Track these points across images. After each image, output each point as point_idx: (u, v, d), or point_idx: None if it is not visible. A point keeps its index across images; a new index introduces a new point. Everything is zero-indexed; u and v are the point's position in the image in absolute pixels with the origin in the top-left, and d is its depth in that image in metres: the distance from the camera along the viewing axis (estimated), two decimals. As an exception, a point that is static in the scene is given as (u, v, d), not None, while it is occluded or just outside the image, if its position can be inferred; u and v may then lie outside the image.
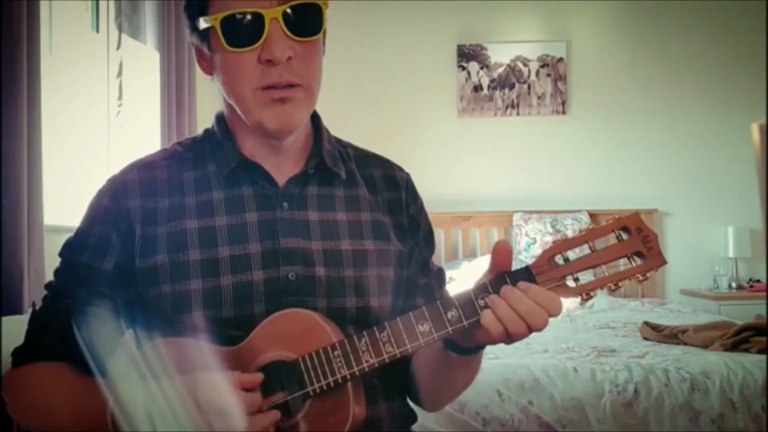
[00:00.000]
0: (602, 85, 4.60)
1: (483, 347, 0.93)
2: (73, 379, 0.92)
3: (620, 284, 0.87)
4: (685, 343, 2.63)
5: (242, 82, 0.93)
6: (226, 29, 0.91)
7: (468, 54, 4.58)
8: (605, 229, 0.87)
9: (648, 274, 0.86)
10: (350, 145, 1.11)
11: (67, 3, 2.77)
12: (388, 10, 4.55)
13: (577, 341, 2.72)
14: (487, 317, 0.84)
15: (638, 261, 0.86)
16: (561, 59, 4.57)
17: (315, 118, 1.05)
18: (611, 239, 0.87)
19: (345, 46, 4.35)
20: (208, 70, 1.00)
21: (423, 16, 4.57)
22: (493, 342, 0.87)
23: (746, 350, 2.44)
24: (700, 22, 4.57)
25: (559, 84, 4.58)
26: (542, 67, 4.58)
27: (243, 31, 0.91)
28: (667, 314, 3.42)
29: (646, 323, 2.88)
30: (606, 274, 0.86)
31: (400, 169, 1.13)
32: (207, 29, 0.94)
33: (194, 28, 0.97)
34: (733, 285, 4.33)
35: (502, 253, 0.87)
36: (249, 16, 0.90)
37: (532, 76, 4.58)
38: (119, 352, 0.88)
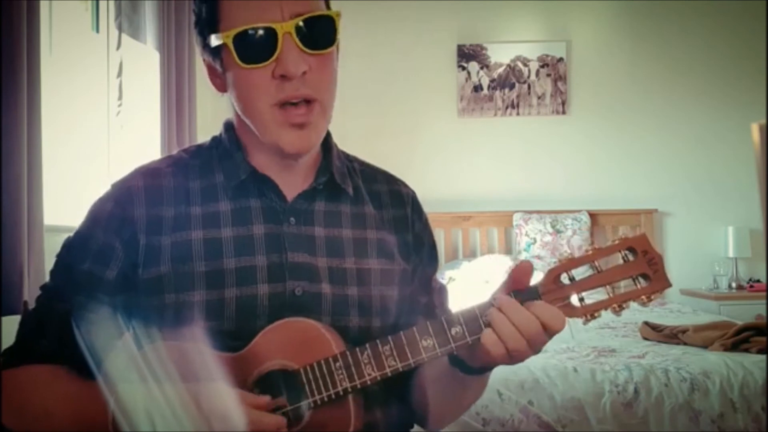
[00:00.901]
0: (602, 85, 4.60)
1: (490, 368, 0.92)
2: (71, 382, 0.91)
3: (624, 306, 0.86)
4: (685, 343, 2.63)
5: (258, 98, 0.92)
6: (238, 46, 0.90)
7: (468, 54, 4.58)
8: (611, 249, 0.87)
9: (653, 297, 0.86)
10: (356, 160, 1.11)
11: (67, 3, 2.76)
12: (388, 10, 4.55)
13: (577, 341, 2.72)
14: (486, 335, 0.83)
15: (643, 283, 0.86)
16: (561, 59, 4.57)
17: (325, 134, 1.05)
18: (617, 259, 0.87)
19: (344, 46, 4.32)
20: (221, 87, 0.98)
21: (423, 16, 4.57)
22: (495, 361, 0.85)
23: (746, 350, 2.44)
24: (700, 22, 4.57)
25: (559, 84, 4.58)
26: (542, 67, 4.58)
27: (256, 47, 0.89)
28: (667, 314, 3.43)
29: (646, 323, 2.88)
30: (611, 295, 0.86)
31: (405, 186, 1.12)
32: (218, 47, 0.93)
33: (205, 45, 0.96)
34: (733, 285, 4.33)
35: (522, 272, 0.86)
36: (261, 32, 0.89)
37: (532, 76, 4.58)
38: (119, 353, 0.87)
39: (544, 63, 4.58)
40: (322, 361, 0.86)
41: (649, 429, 2.12)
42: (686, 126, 4.56)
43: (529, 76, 4.58)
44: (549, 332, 0.84)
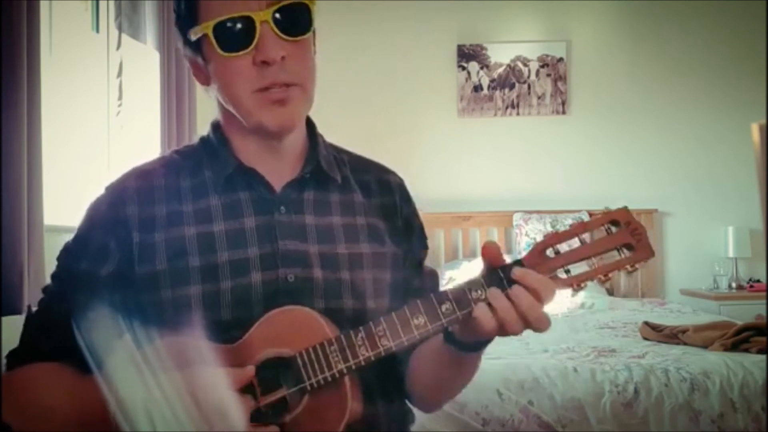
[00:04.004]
0: (602, 85, 4.60)
1: (482, 345, 0.94)
2: (74, 380, 0.91)
3: (610, 275, 0.89)
4: (685, 343, 2.63)
5: (239, 85, 0.94)
6: (218, 36, 0.93)
7: (468, 54, 4.58)
8: (595, 222, 0.90)
9: (637, 266, 0.88)
10: (345, 151, 1.13)
11: (67, 3, 2.76)
12: (388, 10, 4.54)
13: (577, 341, 2.72)
14: (479, 308, 0.86)
15: (627, 253, 0.88)
16: (561, 59, 4.57)
17: (310, 125, 1.07)
18: (601, 233, 0.90)
19: (344, 46, 4.35)
20: (205, 81, 1.01)
21: (423, 16, 4.57)
22: (486, 333, 0.87)
23: (746, 350, 2.45)
24: (700, 22, 4.57)
25: (559, 84, 4.58)
26: (542, 67, 4.58)
27: (235, 36, 0.93)
28: (667, 314, 3.42)
29: (646, 323, 2.88)
30: (596, 266, 0.88)
31: (394, 174, 1.14)
32: (199, 40, 0.97)
33: (187, 41, 1.00)
34: (733, 285, 4.33)
35: (491, 253, 0.90)
36: (239, 21, 0.92)
37: (532, 76, 4.58)
38: (118, 352, 0.88)
39: (544, 63, 4.58)
40: (317, 346, 0.87)
41: (649, 429, 2.12)
42: (686, 126, 4.56)
43: (529, 76, 4.58)
44: (539, 299, 0.85)
